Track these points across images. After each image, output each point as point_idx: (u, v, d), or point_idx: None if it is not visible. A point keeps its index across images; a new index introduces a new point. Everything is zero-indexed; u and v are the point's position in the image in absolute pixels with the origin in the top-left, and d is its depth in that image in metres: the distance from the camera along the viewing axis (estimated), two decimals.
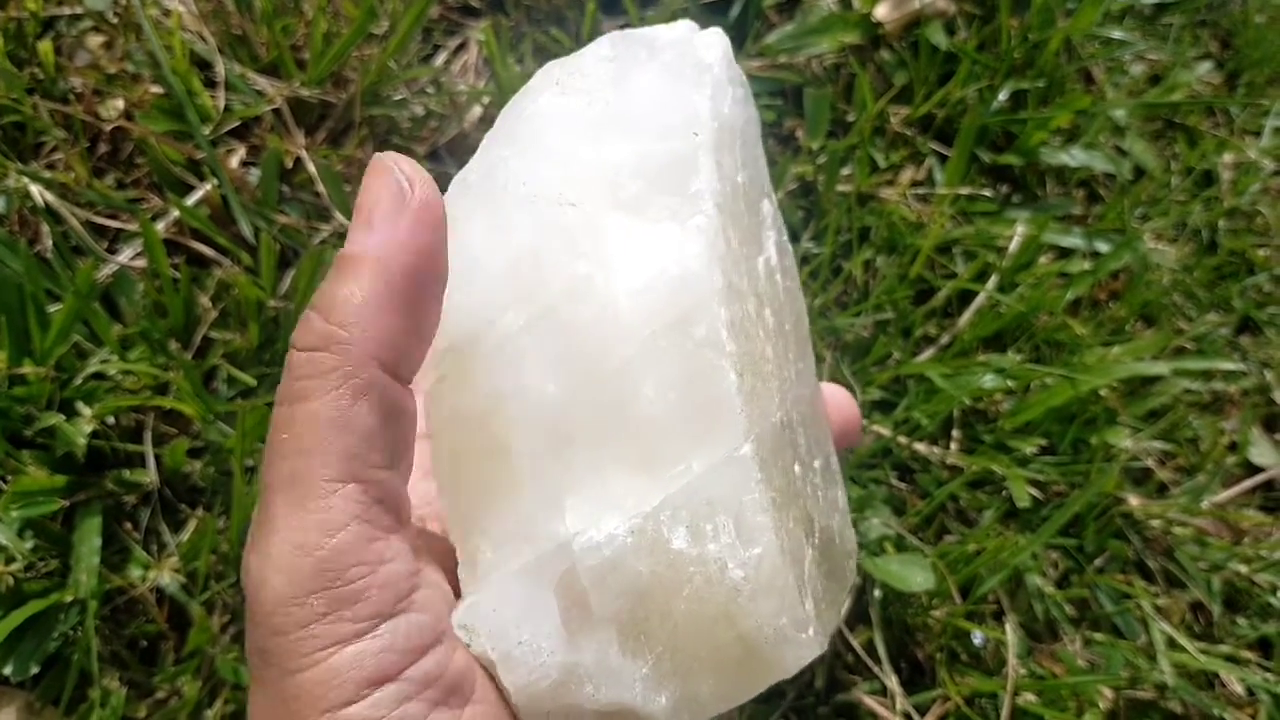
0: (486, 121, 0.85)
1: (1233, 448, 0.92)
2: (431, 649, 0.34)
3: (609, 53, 0.40)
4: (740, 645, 0.34)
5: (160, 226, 0.73)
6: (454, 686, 0.34)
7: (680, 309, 0.34)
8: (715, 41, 0.42)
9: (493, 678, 0.37)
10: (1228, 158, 1.06)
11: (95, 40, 0.78)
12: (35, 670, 0.63)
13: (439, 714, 0.33)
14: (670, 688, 0.35)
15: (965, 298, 0.89)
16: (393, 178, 0.34)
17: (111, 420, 0.68)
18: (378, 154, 0.36)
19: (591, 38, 0.42)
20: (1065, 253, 0.96)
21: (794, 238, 0.87)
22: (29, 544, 0.63)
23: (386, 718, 0.32)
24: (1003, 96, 0.95)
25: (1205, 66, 1.11)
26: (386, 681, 0.32)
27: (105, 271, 0.72)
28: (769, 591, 0.34)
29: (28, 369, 0.66)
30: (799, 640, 0.35)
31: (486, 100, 0.85)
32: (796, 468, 0.39)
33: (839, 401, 0.54)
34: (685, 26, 0.42)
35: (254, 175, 0.77)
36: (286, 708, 0.32)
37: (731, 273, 0.36)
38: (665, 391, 0.34)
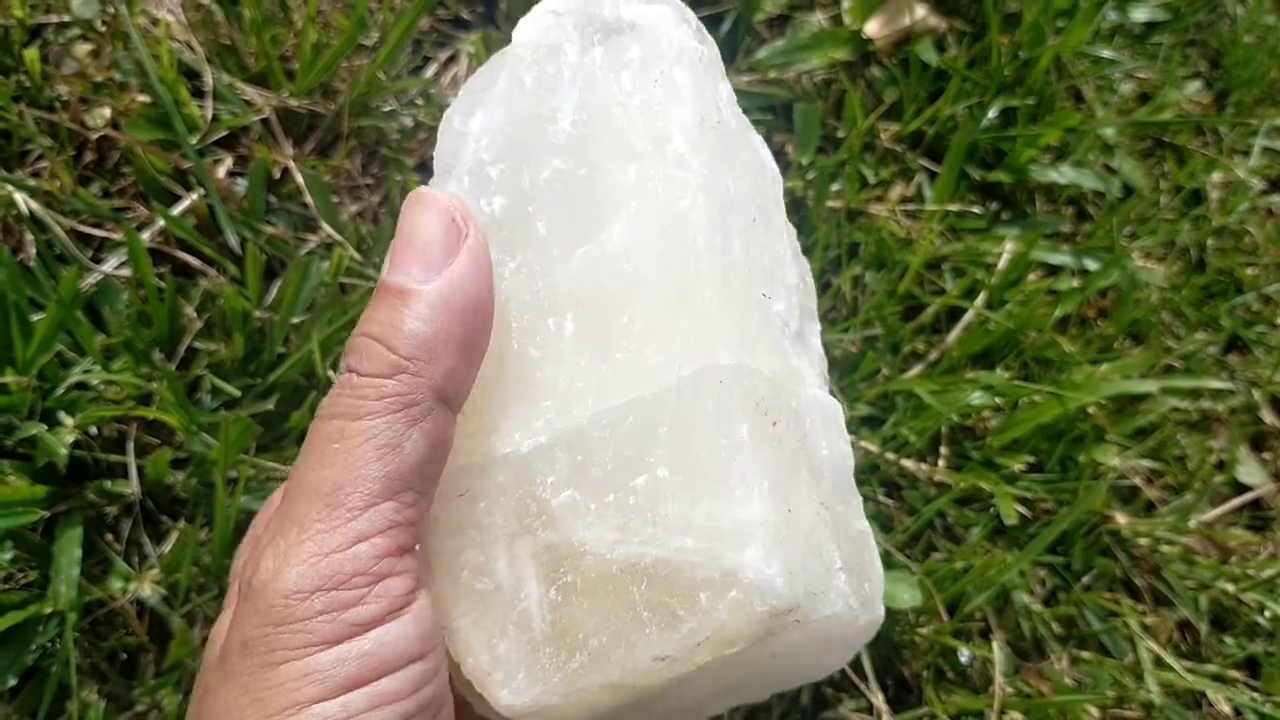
0: None
1: (1220, 466, 0.92)
2: (413, 662, 0.35)
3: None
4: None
5: (146, 236, 0.73)
6: (427, 704, 0.35)
7: None
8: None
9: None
10: (1216, 177, 1.07)
11: (82, 48, 0.78)
12: (13, 683, 0.62)
13: None
14: None
15: (954, 314, 0.89)
16: (444, 212, 0.37)
17: (94, 430, 0.68)
18: (418, 188, 0.38)
19: None
20: (1054, 270, 0.96)
21: None
22: (8, 555, 0.63)
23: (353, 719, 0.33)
24: (992, 114, 0.95)
25: (1194, 86, 1.11)
26: (362, 685, 0.33)
27: (89, 281, 0.71)
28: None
29: (9, 378, 0.65)
30: (494, 680, 0.37)
31: None
32: (566, 493, 0.37)
33: None
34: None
35: (241, 185, 0.77)
36: (254, 698, 0.33)
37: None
38: None
